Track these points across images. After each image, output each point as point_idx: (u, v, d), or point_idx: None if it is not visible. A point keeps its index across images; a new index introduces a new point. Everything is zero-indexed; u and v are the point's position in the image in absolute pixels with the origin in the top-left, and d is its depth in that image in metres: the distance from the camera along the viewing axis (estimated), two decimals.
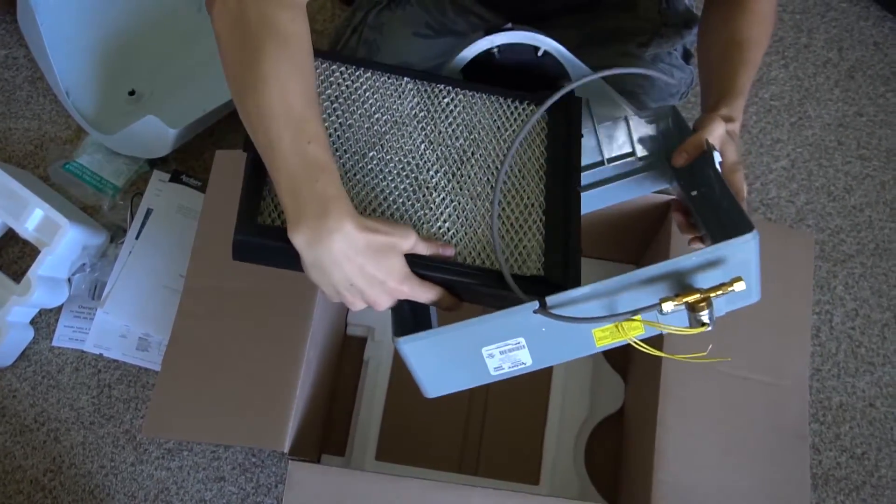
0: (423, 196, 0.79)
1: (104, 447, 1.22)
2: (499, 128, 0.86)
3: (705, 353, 0.75)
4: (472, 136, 0.85)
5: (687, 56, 1.09)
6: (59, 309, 1.28)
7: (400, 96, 0.85)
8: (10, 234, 1.31)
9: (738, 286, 0.66)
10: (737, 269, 0.68)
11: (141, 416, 1.23)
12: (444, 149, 0.83)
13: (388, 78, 0.86)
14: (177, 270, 1.27)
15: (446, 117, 0.85)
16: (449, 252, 0.75)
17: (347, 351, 1.21)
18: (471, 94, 0.88)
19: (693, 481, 0.92)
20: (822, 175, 1.39)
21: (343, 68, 0.85)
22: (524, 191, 0.83)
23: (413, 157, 0.81)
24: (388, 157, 0.80)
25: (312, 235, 0.66)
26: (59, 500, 1.20)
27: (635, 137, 0.86)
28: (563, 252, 0.78)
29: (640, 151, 0.87)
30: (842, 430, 1.23)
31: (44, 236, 1.21)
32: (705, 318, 0.67)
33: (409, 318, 0.75)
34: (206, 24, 1.45)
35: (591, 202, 0.88)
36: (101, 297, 1.26)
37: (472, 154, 0.84)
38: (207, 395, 0.96)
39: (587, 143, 0.86)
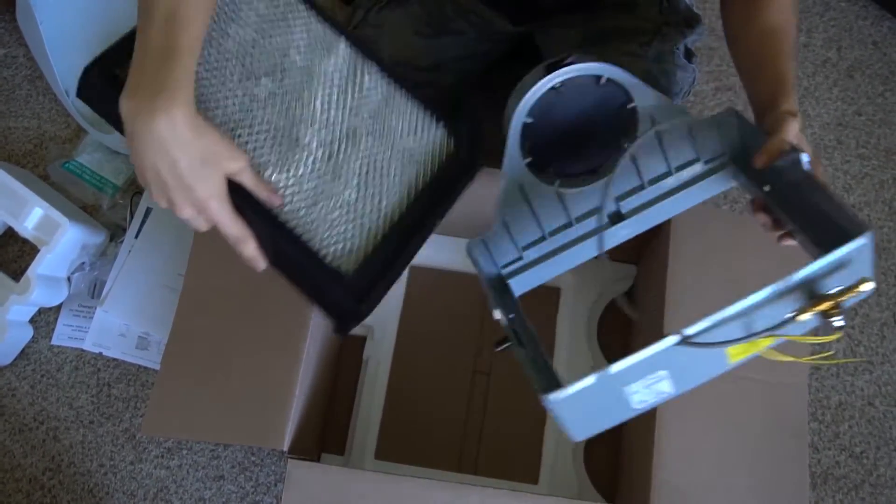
0: (286, 147, 0.75)
1: (103, 446, 1.22)
2: (401, 129, 0.84)
3: (832, 353, 0.75)
4: (372, 123, 0.82)
5: (689, 55, 1.09)
6: (58, 307, 1.28)
7: (328, 50, 0.81)
8: (10, 233, 1.31)
9: (866, 287, 0.67)
10: (859, 268, 0.68)
11: (140, 415, 1.23)
12: (337, 118, 0.80)
13: (328, 28, 0.83)
14: (176, 269, 1.27)
15: (360, 93, 0.82)
16: (276, 201, 0.73)
17: (347, 350, 1.21)
18: (395, 85, 0.85)
19: (692, 480, 0.92)
20: (822, 174, 1.38)
21: None
22: (388, 197, 0.81)
23: (301, 109, 0.77)
24: (279, 93, 0.77)
25: (137, 106, 0.64)
26: (58, 498, 1.20)
27: (698, 144, 0.86)
28: (379, 272, 0.77)
29: (704, 157, 0.86)
30: (841, 429, 1.24)
31: (43, 235, 1.21)
32: (839, 323, 0.68)
33: (545, 372, 0.76)
34: None
35: (660, 213, 0.89)
36: (101, 295, 1.26)
37: (362, 139, 0.80)
38: (207, 394, 0.96)
39: (653, 156, 0.86)
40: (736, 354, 0.71)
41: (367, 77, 0.84)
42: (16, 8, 1.38)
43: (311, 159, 0.76)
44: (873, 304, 1.30)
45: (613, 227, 0.88)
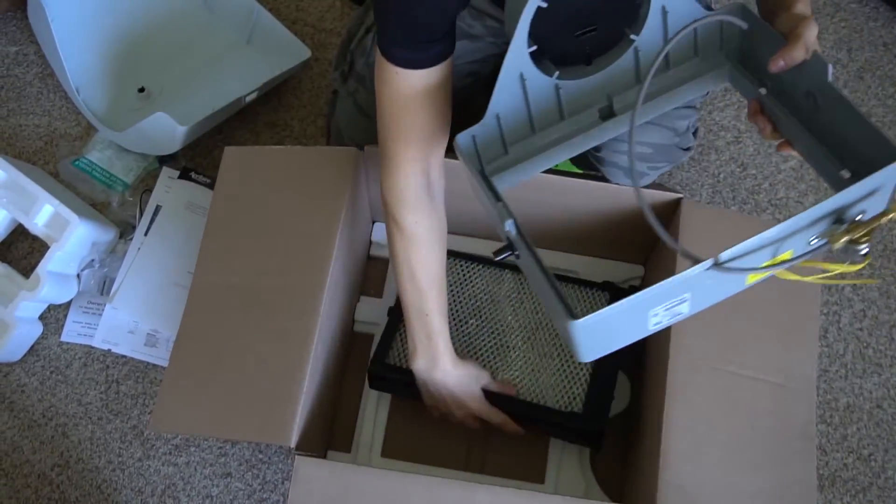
0: (503, 353, 1.12)
1: (112, 442, 1.23)
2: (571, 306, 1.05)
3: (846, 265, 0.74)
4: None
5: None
6: (67, 304, 1.29)
7: (499, 282, 1.19)
8: (20, 230, 1.31)
9: (891, 216, 0.67)
10: (887, 193, 0.68)
11: (148, 412, 1.24)
12: (524, 319, 1.15)
13: (492, 269, 1.20)
14: (185, 267, 1.27)
15: (532, 297, 1.16)
16: (511, 391, 1.06)
17: (354, 347, 1.21)
18: (563, 284, 1.16)
19: (699, 481, 0.92)
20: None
21: (463, 262, 1.20)
22: None
23: (500, 325, 1.14)
24: (483, 323, 1.15)
25: (425, 364, 1.02)
26: (67, 494, 1.20)
27: (700, 39, 0.83)
28: (598, 399, 1.06)
29: (703, 52, 0.84)
30: (849, 432, 1.23)
31: (53, 232, 1.22)
32: (865, 250, 0.68)
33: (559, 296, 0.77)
34: (216, 22, 1.46)
35: (654, 108, 0.87)
36: (110, 292, 1.26)
37: (546, 324, 1.14)
38: (215, 391, 0.96)
39: (655, 49, 0.82)
40: (754, 276, 0.71)
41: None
42: (27, 6, 1.39)
43: (520, 354, 1.12)
44: (882, 307, 1.29)
45: (606, 124, 0.86)
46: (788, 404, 0.96)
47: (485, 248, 1.23)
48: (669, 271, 1.02)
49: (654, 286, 0.68)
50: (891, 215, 0.68)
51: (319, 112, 1.42)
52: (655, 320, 0.73)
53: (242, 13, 1.42)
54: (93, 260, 1.28)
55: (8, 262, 1.30)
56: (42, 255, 1.21)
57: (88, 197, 1.35)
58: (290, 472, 1.19)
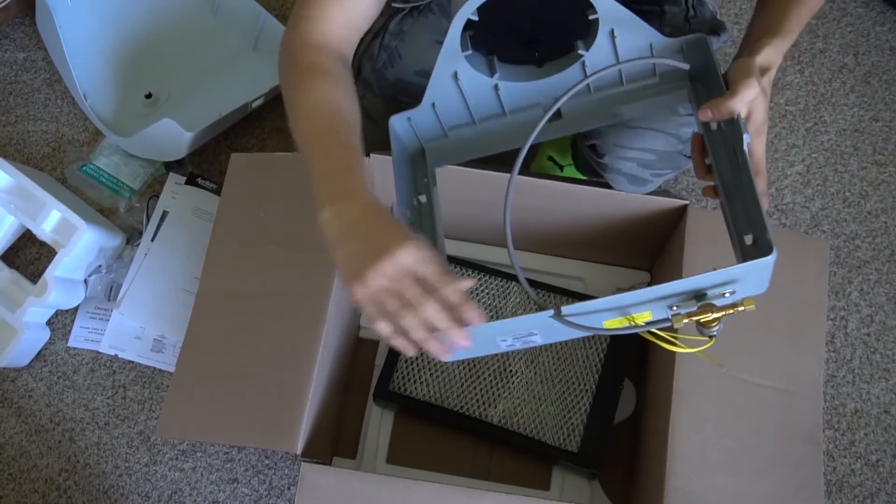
0: (505, 379, 1.12)
1: (118, 447, 1.23)
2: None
3: (709, 346, 0.75)
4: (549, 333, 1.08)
5: None
6: (74, 310, 1.29)
7: (504, 296, 1.18)
8: (28, 236, 1.32)
9: (748, 307, 0.68)
10: (750, 285, 0.69)
11: (155, 417, 1.24)
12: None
13: (499, 280, 1.18)
14: (192, 272, 1.27)
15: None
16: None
17: (359, 354, 1.22)
18: (563, 299, 1.17)
19: (706, 488, 0.92)
20: (838, 180, 1.38)
21: (469, 272, 1.19)
22: (581, 379, 1.12)
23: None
24: None
25: (335, 208, 0.74)
26: (74, 499, 1.20)
27: (658, 64, 0.83)
28: (599, 436, 1.08)
29: (662, 73, 0.83)
30: (856, 437, 1.23)
31: (61, 238, 1.22)
32: (714, 332, 0.71)
33: None
34: (223, 28, 1.46)
35: (601, 118, 0.86)
36: (117, 298, 1.27)
37: (550, 347, 1.14)
38: (221, 397, 0.97)
39: (605, 63, 0.82)
40: (612, 325, 0.73)
41: (540, 301, 1.09)
42: (35, 12, 1.40)
43: (522, 380, 1.12)
44: (890, 312, 1.29)
45: (550, 124, 0.86)
46: (795, 410, 0.96)
47: (489, 254, 1.23)
48: (674, 278, 1.02)
49: (501, 322, 0.72)
50: (740, 308, 0.69)
51: None
52: (506, 343, 0.77)
53: (249, 19, 1.43)
54: (100, 265, 1.28)
55: (16, 267, 1.30)
56: (49, 260, 1.21)
57: (96, 203, 1.35)
58: (296, 477, 1.20)
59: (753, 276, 0.67)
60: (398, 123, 0.87)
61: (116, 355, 1.27)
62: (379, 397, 1.14)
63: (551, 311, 0.70)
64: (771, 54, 0.78)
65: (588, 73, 0.82)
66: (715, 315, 0.69)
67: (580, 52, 0.80)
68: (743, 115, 0.75)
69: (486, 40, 0.82)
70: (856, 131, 1.41)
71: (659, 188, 1.25)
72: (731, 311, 0.69)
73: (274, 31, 1.40)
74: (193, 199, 1.33)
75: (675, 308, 0.70)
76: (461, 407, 1.12)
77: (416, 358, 1.15)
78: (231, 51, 1.46)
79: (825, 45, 1.48)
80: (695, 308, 0.69)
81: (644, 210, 1.07)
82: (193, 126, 1.25)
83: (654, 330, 0.73)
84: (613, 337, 1.12)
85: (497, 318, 1.11)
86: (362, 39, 1.19)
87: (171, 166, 1.37)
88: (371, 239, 0.70)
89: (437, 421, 1.13)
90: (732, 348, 0.98)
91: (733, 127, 0.75)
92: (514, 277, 1.18)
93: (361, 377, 1.20)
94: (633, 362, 1.17)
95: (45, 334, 1.27)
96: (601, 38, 0.79)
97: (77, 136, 1.42)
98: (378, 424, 1.16)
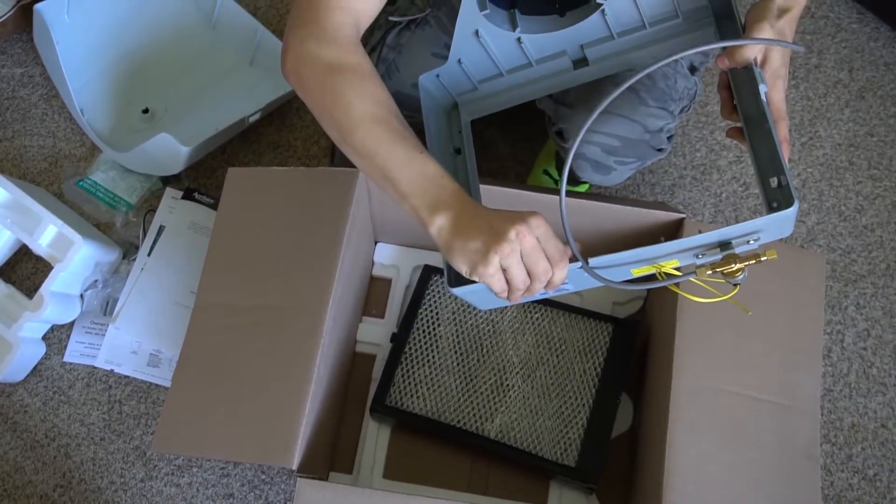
0: (503, 393, 1.13)
1: (114, 463, 1.22)
2: (573, 340, 1.15)
3: (735, 293, 0.76)
4: (549, 346, 1.15)
5: (693, 69, 1.08)
6: (70, 325, 1.29)
7: (501, 311, 1.18)
8: (24, 250, 1.32)
9: (771, 256, 0.71)
10: (774, 232, 0.71)
11: (151, 433, 1.24)
12: (525, 354, 1.15)
13: None
14: (188, 287, 1.27)
15: (534, 329, 1.16)
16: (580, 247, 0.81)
17: (356, 368, 1.21)
18: (559, 312, 1.17)
19: (703, 502, 0.92)
20: (833, 195, 1.39)
21: None
22: (579, 393, 1.12)
23: (501, 361, 1.14)
24: (484, 358, 1.15)
25: (446, 216, 0.76)
26: None
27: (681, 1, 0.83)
28: (597, 450, 1.07)
29: (685, 13, 0.83)
30: (854, 451, 1.23)
31: (57, 252, 1.22)
32: (739, 280, 0.72)
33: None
34: (220, 43, 1.47)
35: (629, 62, 0.87)
36: (113, 313, 1.26)
37: (547, 360, 1.14)
38: (217, 412, 0.96)
39: (626, 7, 0.82)
40: (640, 271, 0.76)
41: (537, 314, 1.17)
42: (32, 28, 1.40)
43: (519, 394, 1.12)
44: (886, 326, 1.29)
45: (578, 71, 0.87)
46: (792, 424, 0.96)
47: None
48: (672, 295, 1.02)
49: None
50: (763, 258, 0.71)
51: (322, 132, 1.43)
52: (541, 294, 0.79)
53: (246, 34, 1.43)
54: (96, 280, 1.28)
55: (12, 282, 1.30)
56: (46, 275, 1.21)
57: (92, 217, 1.35)
58: (292, 492, 1.19)
59: (776, 225, 0.70)
60: (428, 81, 0.89)
61: (112, 370, 1.26)
62: (375, 411, 1.13)
63: (579, 263, 0.74)
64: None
65: (608, 19, 0.84)
66: (738, 265, 0.71)
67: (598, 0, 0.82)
68: (759, 60, 0.75)
69: None
70: (851, 146, 1.42)
71: (656, 201, 1.25)
72: (754, 262, 0.71)
73: (271, 46, 1.41)
74: (190, 214, 1.33)
75: (700, 256, 0.73)
76: (458, 421, 1.11)
77: (413, 372, 1.15)
78: (228, 66, 1.46)
79: (820, 60, 1.49)
80: (719, 257, 0.71)
81: (641, 223, 1.07)
82: (190, 141, 1.25)
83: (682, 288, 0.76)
84: (611, 351, 1.12)
85: (493, 329, 1.17)
86: None
87: (167, 181, 1.37)
88: (492, 228, 0.74)
89: (434, 435, 1.13)
90: (729, 362, 0.98)
91: (749, 73, 0.75)
92: None
93: (358, 391, 1.19)
94: (630, 376, 1.17)
95: (41, 349, 1.27)
96: None
97: (74, 151, 1.42)
98: (375, 439, 1.16)
